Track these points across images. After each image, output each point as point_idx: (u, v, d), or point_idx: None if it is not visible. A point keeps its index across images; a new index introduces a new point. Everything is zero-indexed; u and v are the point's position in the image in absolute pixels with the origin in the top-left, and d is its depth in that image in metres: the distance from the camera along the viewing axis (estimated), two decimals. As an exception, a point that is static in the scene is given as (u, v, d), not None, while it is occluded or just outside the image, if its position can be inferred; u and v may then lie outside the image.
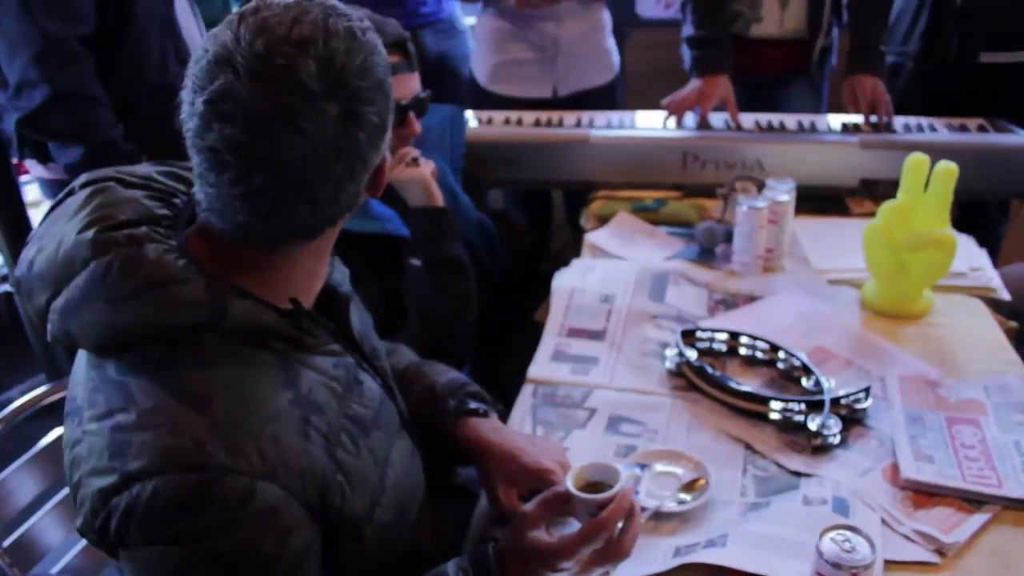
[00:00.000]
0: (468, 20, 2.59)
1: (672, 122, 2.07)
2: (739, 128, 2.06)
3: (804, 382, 1.30)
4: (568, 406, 1.32)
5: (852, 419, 1.24)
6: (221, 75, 0.74)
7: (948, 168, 1.42)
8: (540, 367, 1.42)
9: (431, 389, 1.16)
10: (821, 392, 1.26)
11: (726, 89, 2.08)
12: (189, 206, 0.87)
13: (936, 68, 2.21)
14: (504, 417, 1.33)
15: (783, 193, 1.65)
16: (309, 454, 0.82)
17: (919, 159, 1.44)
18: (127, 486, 0.74)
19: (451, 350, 1.57)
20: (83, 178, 0.86)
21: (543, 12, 2.15)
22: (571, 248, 2.41)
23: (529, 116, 2.13)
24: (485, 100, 2.26)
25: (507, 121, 2.12)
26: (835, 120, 2.08)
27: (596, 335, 1.49)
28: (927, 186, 1.46)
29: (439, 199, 1.58)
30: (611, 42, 2.31)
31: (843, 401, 1.24)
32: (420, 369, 1.22)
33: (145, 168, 0.90)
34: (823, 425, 1.19)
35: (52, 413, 1.16)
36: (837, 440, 1.19)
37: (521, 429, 1.28)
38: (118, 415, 0.77)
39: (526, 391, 1.37)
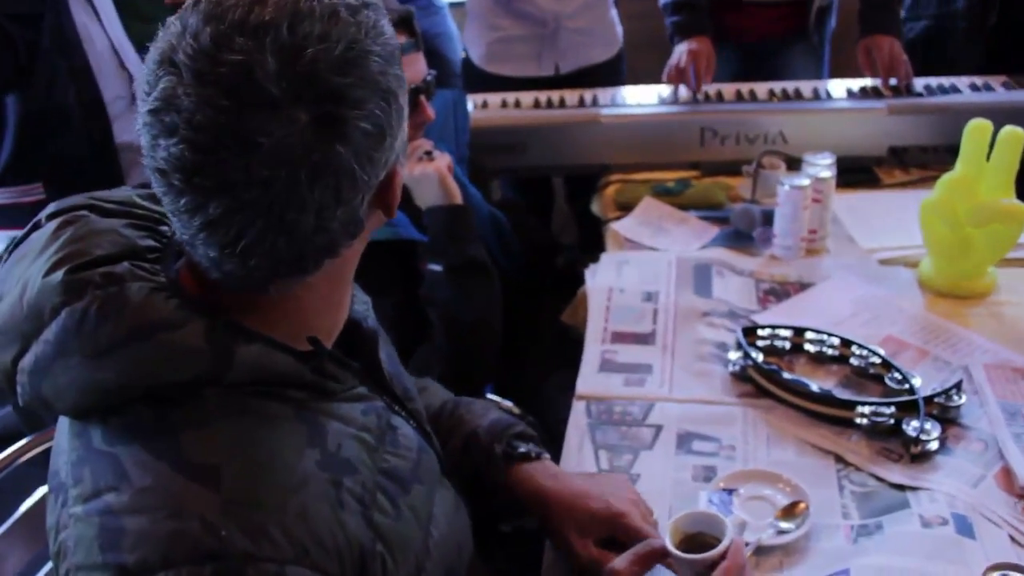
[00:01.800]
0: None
1: (684, 92, 1.94)
2: (753, 98, 1.93)
3: (887, 379, 1.20)
4: (629, 424, 1.20)
5: (947, 419, 1.13)
6: (164, 77, 0.60)
7: (1015, 133, 1.31)
8: (589, 380, 1.29)
9: (473, 435, 1.01)
10: (909, 391, 1.15)
11: (709, 50, 1.95)
12: (177, 240, 0.71)
13: (992, 27, 2.08)
14: (550, 440, 1.19)
15: (824, 169, 1.53)
16: (344, 526, 0.69)
17: (981, 125, 1.33)
18: None
19: (480, 361, 1.44)
20: (51, 208, 0.71)
21: None
22: (571, 229, 2.28)
23: (527, 97, 1.98)
24: (481, 81, 2.10)
25: (504, 103, 1.97)
26: (849, 85, 1.96)
27: (644, 339, 1.36)
28: (989, 154, 1.35)
29: (458, 196, 1.44)
30: (614, 13, 2.17)
31: (936, 400, 1.13)
32: (457, 411, 1.06)
33: (124, 192, 0.75)
34: (920, 429, 1.08)
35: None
36: (937, 445, 1.08)
37: (579, 454, 1.16)
38: (107, 495, 0.63)
39: (578, 409, 1.24)
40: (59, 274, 0.64)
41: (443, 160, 1.44)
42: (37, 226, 0.71)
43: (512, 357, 1.62)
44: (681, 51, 1.96)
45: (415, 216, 1.49)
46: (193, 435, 0.65)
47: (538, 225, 1.95)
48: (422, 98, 1.42)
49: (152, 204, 0.75)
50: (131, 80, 1.65)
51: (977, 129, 1.35)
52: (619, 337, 1.37)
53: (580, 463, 1.14)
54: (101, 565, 0.62)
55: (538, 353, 1.69)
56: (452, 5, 2.43)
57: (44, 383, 0.65)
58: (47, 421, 0.74)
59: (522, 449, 1.00)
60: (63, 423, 0.71)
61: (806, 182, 1.50)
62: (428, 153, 1.44)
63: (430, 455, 0.87)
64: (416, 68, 1.40)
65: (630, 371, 1.30)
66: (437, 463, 0.89)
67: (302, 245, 0.65)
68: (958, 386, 1.15)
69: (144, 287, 0.65)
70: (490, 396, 1.56)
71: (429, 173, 1.42)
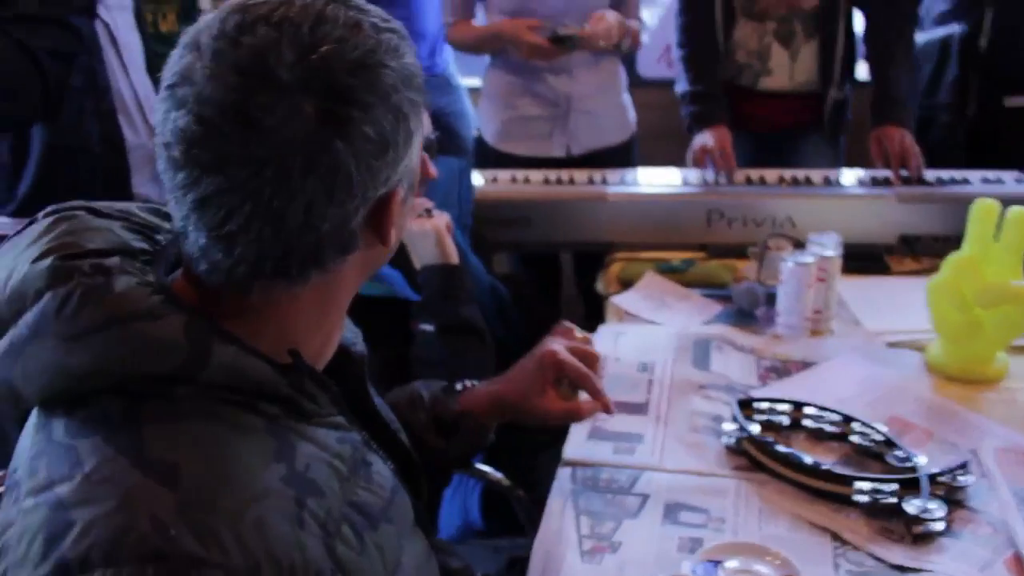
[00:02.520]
0: (471, 81, 2.47)
1: (711, 175, 1.94)
2: (763, 182, 1.93)
3: (888, 458, 1.13)
4: (615, 492, 1.13)
5: (952, 500, 1.06)
6: (186, 56, 0.63)
7: (1022, 213, 1.28)
8: (576, 447, 1.24)
9: (416, 392, 1.11)
10: (911, 469, 1.08)
11: (728, 139, 1.96)
12: (174, 244, 0.72)
13: (972, 118, 2.12)
14: (532, 505, 1.17)
15: (830, 248, 1.50)
16: (303, 547, 0.63)
17: (988, 205, 1.31)
18: None
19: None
20: (48, 209, 0.71)
21: (554, 65, 2.03)
22: (578, 308, 2.25)
23: (537, 174, 1.99)
24: (493, 159, 2.12)
25: (514, 179, 1.98)
26: (861, 175, 1.96)
27: (637, 408, 1.31)
28: (997, 235, 1.32)
29: (454, 256, 1.42)
30: (627, 98, 2.20)
31: (940, 479, 1.06)
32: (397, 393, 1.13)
33: (123, 204, 0.75)
34: (923, 508, 1.01)
35: None
36: (942, 526, 1.01)
37: (560, 519, 1.09)
38: (59, 487, 0.60)
39: (563, 475, 1.18)
40: (48, 261, 0.64)
41: (442, 219, 1.44)
42: (32, 224, 0.71)
43: (505, 429, 1.57)
44: (703, 139, 1.98)
45: (411, 276, 1.48)
46: (158, 431, 0.62)
47: (541, 300, 1.93)
48: (425, 155, 1.42)
49: (149, 216, 0.75)
50: (153, 134, 1.68)
51: (984, 209, 1.32)
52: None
53: (560, 528, 1.07)
54: (40, 558, 0.58)
55: (532, 427, 1.64)
56: (470, 89, 2.48)
57: (15, 367, 0.63)
58: (11, 435, 0.71)
59: (458, 386, 1.10)
60: (28, 427, 0.69)
61: (811, 259, 1.47)
62: (428, 211, 1.44)
63: (404, 500, 0.82)
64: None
65: (620, 439, 1.24)
66: (411, 511, 0.84)
67: (287, 240, 0.64)
68: (964, 466, 1.08)
69: (131, 280, 0.64)
70: (479, 466, 1.50)
71: (427, 230, 1.41)
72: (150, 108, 1.69)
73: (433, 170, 1.45)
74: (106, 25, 1.56)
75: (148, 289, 0.64)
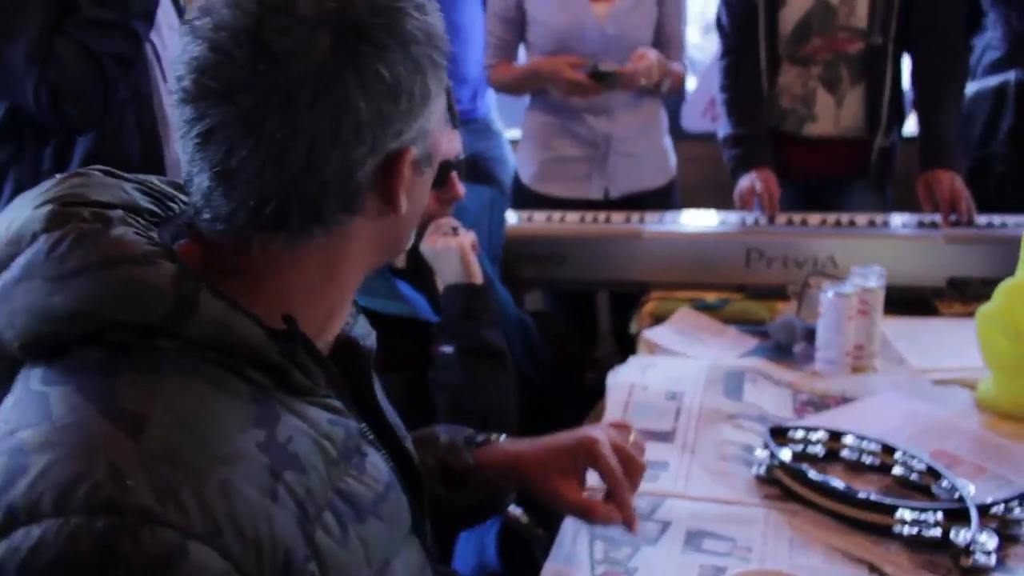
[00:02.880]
0: (511, 133, 2.48)
1: (759, 217, 1.89)
2: (804, 223, 1.87)
3: (934, 489, 1.04)
4: (634, 518, 1.06)
5: (1007, 536, 0.96)
6: None
7: (1079, 239, 1.20)
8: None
9: (432, 434, 0.99)
10: (959, 500, 0.99)
11: (774, 182, 1.92)
12: (186, 214, 0.69)
13: None
14: (549, 542, 1.08)
15: (872, 279, 1.43)
16: (272, 520, 0.58)
17: (1042, 230, 1.23)
18: (6, 530, 0.52)
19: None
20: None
21: (594, 105, 2.02)
22: (616, 357, 2.18)
23: (574, 215, 1.96)
24: (530, 200, 2.09)
25: (549, 219, 1.95)
26: (907, 218, 1.88)
27: (663, 436, 1.24)
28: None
29: (478, 275, 1.38)
30: (668, 141, 2.17)
31: (992, 511, 0.97)
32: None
33: (143, 175, 0.73)
34: (973, 541, 0.92)
35: None
36: (993, 561, 0.91)
37: (573, 544, 1.03)
38: (23, 432, 0.56)
39: (580, 500, 1.10)
40: (49, 206, 0.63)
41: (467, 237, 1.41)
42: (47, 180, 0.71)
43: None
44: (748, 181, 1.93)
45: (436, 301, 1.44)
46: (132, 381, 0.59)
47: (572, 338, 1.87)
48: (453, 175, 1.41)
49: (166, 186, 0.73)
50: None
51: (1037, 234, 1.24)
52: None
53: (573, 552, 1.01)
54: None
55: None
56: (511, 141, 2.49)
57: (2, 310, 0.62)
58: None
59: (480, 437, 0.98)
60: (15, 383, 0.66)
61: (851, 290, 1.40)
62: (454, 229, 1.41)
63: (400, 501, 0.76)
64: (451, 144, 1.40)
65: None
66: (409, 517, 0.78)
67: (289, 182, 0.62)
68: (1021, 498, 0.99)
69: (129, 230, 0.62)
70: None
71: (451, 247, 1.38)
72: None
73: (461, 189, 1.43)
74: (151, 43, 1.59)
75: (146, 240, 0.63)
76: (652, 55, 1.93)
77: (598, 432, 0.94)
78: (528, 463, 0.94)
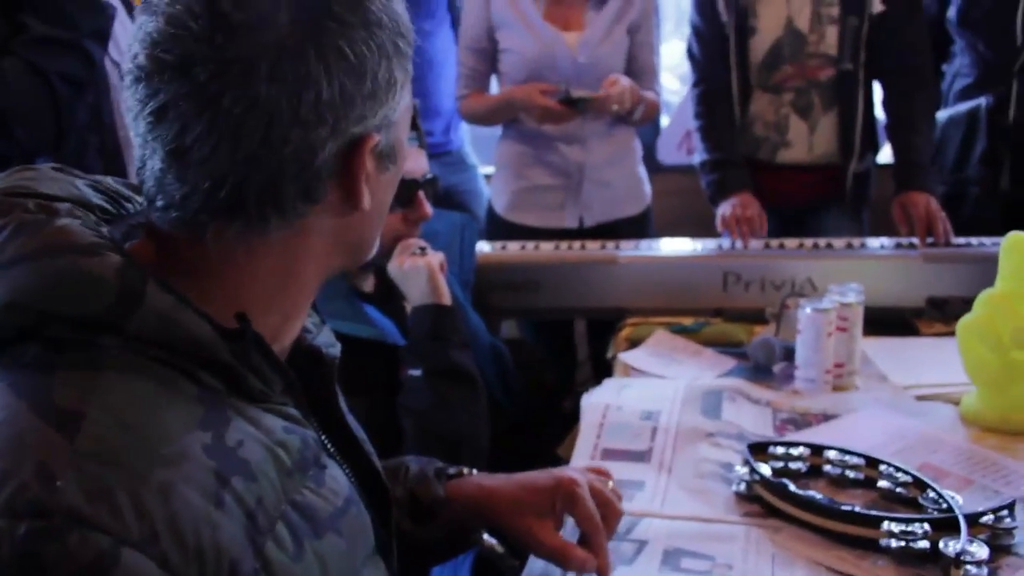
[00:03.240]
0: (485, 170, 2.45)
1: (736, 241, 1.87)
2: (782, 246, 1.84)
3: (921, 501, 1.00)
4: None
5: (997, 546, 0.92)
6: None
7: (1058, 246, 1.18)
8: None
9: (403, 464, 0.96)
10: (947, 510, 0.95)
11: (757, 204, 1.90)
12: (141, 214, 0.66)
13: (1006, 192, 2.03)
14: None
15: (851, 295, 1.40)
16: (217, 527, 0.53)
17: (1019, 238, 1.21)
18: None
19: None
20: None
21: (568, 134, 2.00)
22: (594, 384, 2.14)
23: (548, 244, 1.93)
24: (504, 231, 2.06)
25: (523, 247, 1.92)
26: (886, 241, 1.87)
27: (639, 456, 1.19)
28: (1032, 270, 1.21)
29: (446, 296, 1.34)
30: (642, 170, 2.15)
31: (982, 521, 0.92)
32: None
33: (98, 176, 0.70)
34: (963, 552, 0.87)
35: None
36: (984, 572, 0.87)
37: (545, 566, 0.97)
38: None
39: (553, 523, 1.05)
40: None
41: (435, 257, 1.37)
42: None
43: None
44: (731, 203, 1.92)
45: (404, 325, 1.40)
46: (70, 378, 0.55)
47: (547, 366, 1.83)
48: (420, 194, 1.38)
49: (121, 186, 0.70)
50: None
51: (1016, 243, 1.22)
52: (610, 454, 1.20)
53: (545, 571, 0.95)
54: None
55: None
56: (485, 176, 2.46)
57: None
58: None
59: (452, 470, 0.95)
60: None
61: (829, 306, 1.36)
62: (422, 249, 1.37)
63: (362, 517, 0.71)
64: (417, 162, 1.37)
65: (618, 487, 1.11)
66: (372, 535, 0.73)
67: (245, 162, 0.58)
68: (1010, 507, 0.94)
69: (75, 222, 0.59)
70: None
71: (419, 267, 1.34)
72: None
73: (428, 209, 1.40)
74: (116, 65, 1.56)
75: (93, 232, 0.59)
76: (624, 81, 1.92)
77: (577, 474, 0.91)
78: (502, 500, 0.90)
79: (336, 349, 0.77)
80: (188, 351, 0.58)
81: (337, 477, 0.68)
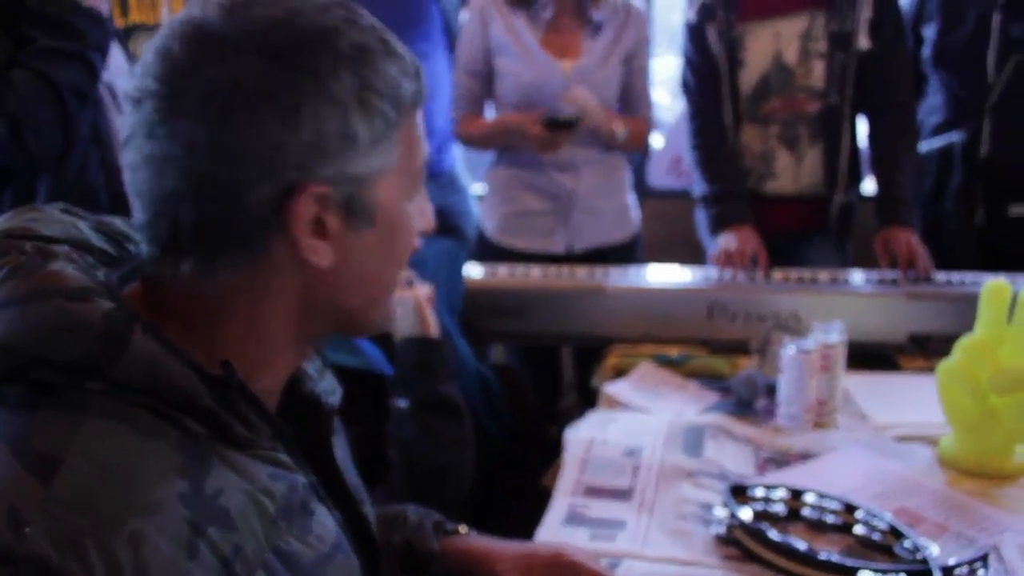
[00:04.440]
0: (477, 188, 2.47)
1: (723, 273, 1.88)
2: (768, 279, 1.86)
3: (896, 550, 1.01)
4: (590, 579, 1.02)
5: (969, 598, 0.93)
6: None
7: (1036, 295, 1.20)
8: (551, 532, 1.13)
9: (401, 514, 0.97)
10: (922, 561, 0.96)
11: (756, 239, 1.91)
12: (138, 258, 0.67)
13: (980, 226, 2.07)
14: None
15: (834, 335, 1.42)
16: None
17: (999, 285, 1.23)
18: None
19: (440, 509, 1.28)
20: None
21: (561, 161, 2.02)
22: (579, 410, 2.15)
23: (537, 269, 1.94)
24: (493, 253, 2.07)
25: (512, 272, 1.93)
26: (870, 275, 1.89)
27: (621, 494, 1.20)
28: (1011, 317, 1.23)
29: (433, 328, 1.35)
30: (631, 198, 2.17)
31: (956, 573, 0.94)
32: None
33: (105, 216, 0.71)
34: (935, 603, 0.89)
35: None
36: (957, 625, 0.88)
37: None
38: None
39: (535, 561, 1.06)
40: None
41: (423, 290, 1.38)
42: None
43: (490, 523, 1.46)
44: (729, 238, 1.93)
45: (391, 350, 1.41)
46: (51, 422, 0.55)
47: (533, 393, 1.84)
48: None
49: (125, 227, 0.71)
50: None
51: (995, 290, 1.24)
52: (593, 491, 1.21)
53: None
54: None
55: (518, 520, 1.52)
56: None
57: None
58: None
59: (450, 526, 0.96)
60: None
61: (813, 346, 1.38)
62: (409, 282, 1.38)
63: (350, 564, 0.72)
64: (423, 215, 1.38)
65: (600, 526, 1.13)
66: None
67: (172, 198, 0.60)
68: (984, 559, 0.96)
69: (69, 266, 0.60)
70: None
71: (406, 299, 1.35)
72: None
73: (418, 244, 1.41)
74: (108, 86, 1.57)
75: (85, 277, 0.60)
76: (585, 92, 1.93)
77: (579, 554, 0.91)
78: (501, 564, 0.91)
79: (336, 397, 0.78)
80: (172, 398, 0.59)
81: (326, 523, 0.69)
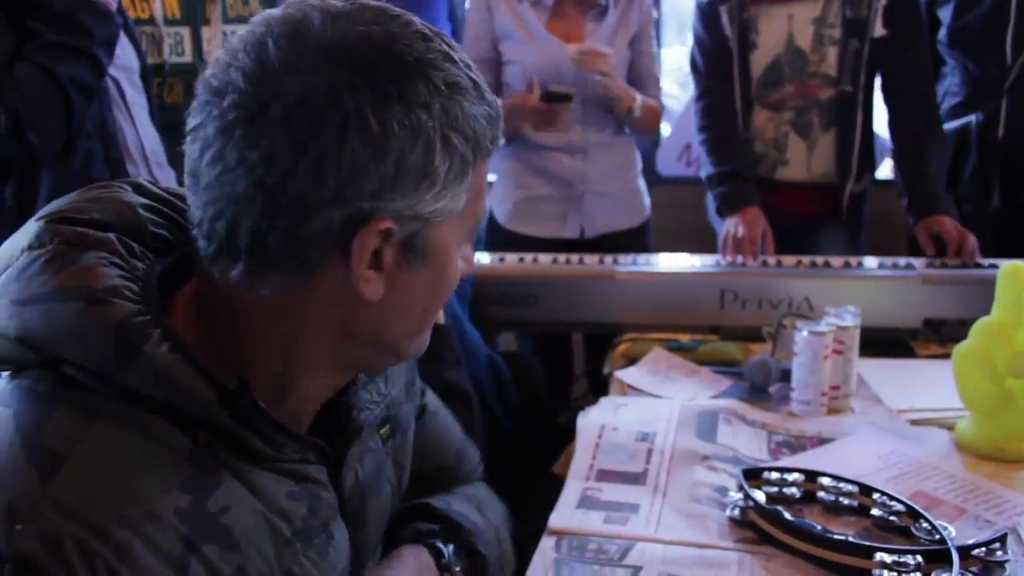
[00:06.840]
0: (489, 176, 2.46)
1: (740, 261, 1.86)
2: (780, 264, 1.85)
3: (914, 531, 1.00)
4: (603, 563, 1.01)
5: (989, 579, 0.92)
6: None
7: (1055, 276, 1.18)
8: (564, 515, 1.12)
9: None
10: (940, 541, 0.95)
11: (763, 221, 1.90)
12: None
13: (996, 210, 2.05)
14: None
15: (847, 318, 1.40)
16: None
17: (1017, 267, 1.22)
18: None
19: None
20: None
21: (569, 145, 2.01)
22: (590, 397, 2.14)
23: (547, 256, 1.93)
24: (504, 240, 2.07)
25: (521, 259, 1.92)
26: (884, 260, 1.87)
27: (633, 478, 1.19)
28: (1029, 299, 1.21)
29: (440, 315, 1.34)
30: (642, 183, 2.16)
31: (974, 553, 0.93)
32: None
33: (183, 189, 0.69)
34: (954, 583, 0.88)
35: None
36: (976, 606, 0.87)
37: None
38: None
39: (546, 545, 1.06)
40: (41, 221, 0.61)
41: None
42: None
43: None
44: (735, 222, 1.91)
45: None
46: (66, 419, 0.56)
47: (544, 381, 1.83)
48: None
49: None
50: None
51: (1012, 272, 1.22)
52: (605, 475, 1.20)
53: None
54: None
55: (529, 507, 1.52)
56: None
57: None
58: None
59: (444, 560, 0.87)
60: None
61: (826, 329, 1.37)
62: None
63: None
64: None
65: (613, 509, 1.12)
66: None
67: (239, 200, 0.57)
68: (1002, 540, 0.95)
69: (102, 258, 0.59)
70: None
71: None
72: (156, 161, 1.68)
73: None
74: (115, 80, 1.57)
75: (115, 271, 0.59)
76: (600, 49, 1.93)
77: None
78: None
79: (372, 413, 0.76)
80: (186, 409, 0.58)
81: (341, 547, 0.68)
